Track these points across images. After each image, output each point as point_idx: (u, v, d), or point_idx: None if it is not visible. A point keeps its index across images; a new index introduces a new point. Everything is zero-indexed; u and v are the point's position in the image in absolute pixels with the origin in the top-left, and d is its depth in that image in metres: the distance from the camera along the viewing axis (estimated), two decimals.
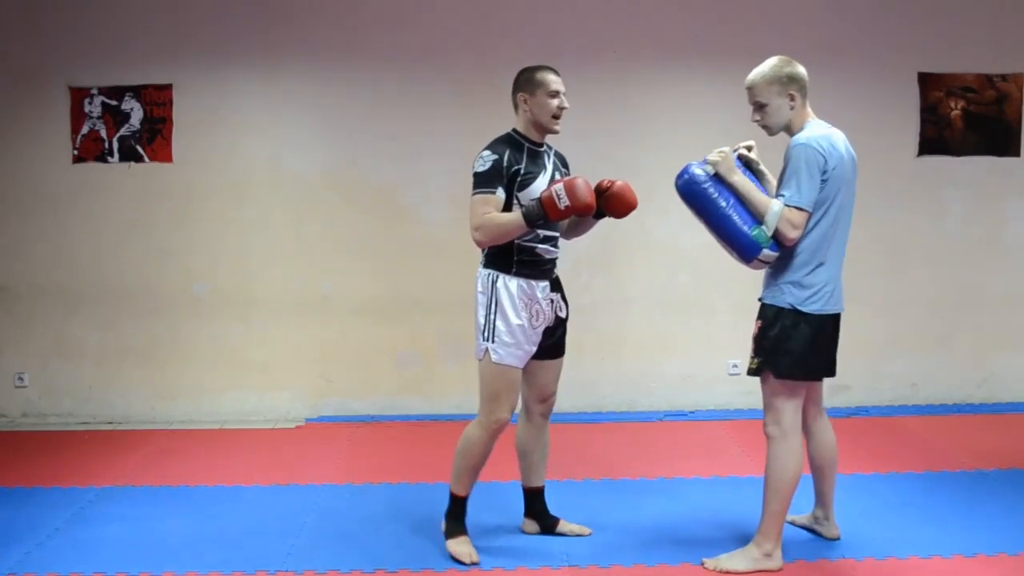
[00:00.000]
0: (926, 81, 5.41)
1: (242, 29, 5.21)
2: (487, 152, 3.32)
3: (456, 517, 3.48)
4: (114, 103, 5.22)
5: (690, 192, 3.21)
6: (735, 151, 3.30)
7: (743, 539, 3.52)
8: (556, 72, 3.38)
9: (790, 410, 3.25)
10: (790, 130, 3.23)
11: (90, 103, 5.21)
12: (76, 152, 5.24)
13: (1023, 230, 5.55)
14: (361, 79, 5.28)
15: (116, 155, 5.25)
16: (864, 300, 5.28)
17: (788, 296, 3.20)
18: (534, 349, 3.41)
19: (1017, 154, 5.49)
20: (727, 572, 3.27)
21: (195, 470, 4.46)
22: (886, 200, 5.42)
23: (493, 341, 3.33)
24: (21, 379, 5.34)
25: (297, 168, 5.31)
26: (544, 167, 3.39)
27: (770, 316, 3.24)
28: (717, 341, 5.49)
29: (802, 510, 3.67)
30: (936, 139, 5.45)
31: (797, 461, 3.25)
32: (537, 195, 3.26)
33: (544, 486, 3.66)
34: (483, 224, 3.26)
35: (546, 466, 3.65)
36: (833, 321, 3.30)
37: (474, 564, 3.36)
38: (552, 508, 3.71)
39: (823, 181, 3.12)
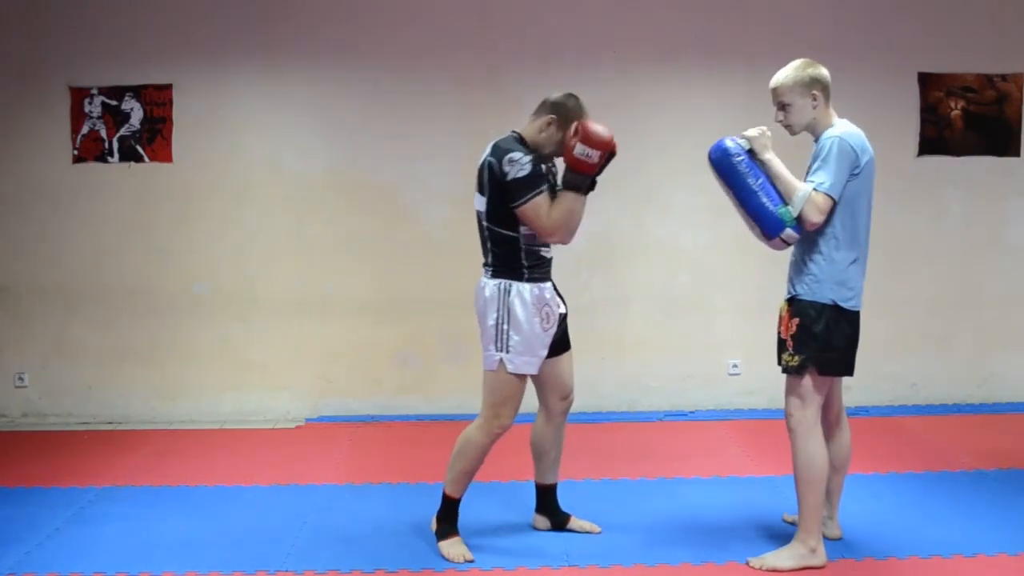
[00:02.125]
0: (926, 81, 5.41)
1: (242, 29, 5.21)
2: (518, 154, 3.24)
3: (448, 519, 3.48)
4: (114, 103, 5.22)
5: (722, 164, 3.25)
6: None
7: (744, 538, 3.53)
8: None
9: (816, 405, 3.29)
10: (813, 130, 3.28)
11: (90, 103, 5.21)
12: (76, 152, 5.24)
13: (1023, 230, 5.55)
14: (361, 79, 5.28)
15: (116, 155, 5.25)
16: (864, 300, 5.27)
17: (830, 292, 3.22)
18: (546, 352, 3.41)
19: (1017, 154, 5.49)
20: (775, 570, 3.27)
21: (195, 470, 4.46)
22: (886, 200, 5.37)
23: (508, 352, 3.32)
24: (21, 379, 5.34)
25: (297, 168, 5.31)
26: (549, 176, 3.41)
27: (812, 313, 3.23)
28: (717, 341, 5.49)
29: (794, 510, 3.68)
30: (936, 139, 5.45)
31: (824, 452, 3.28)
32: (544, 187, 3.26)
33: (557, 483, 3.67)
34: (557, 223, 3.23)
35: (560, 464, 3.67)
36: (859, 318, 3.34)
37: (469, 563, 3.37)
38: None
39: (854, 175, 3.17)
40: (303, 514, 3.85)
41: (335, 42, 5.24)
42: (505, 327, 3.31)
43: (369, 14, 5.25)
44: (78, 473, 4.40)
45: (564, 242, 3.33)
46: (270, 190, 5.32)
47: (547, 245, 3.41)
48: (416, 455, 4.67)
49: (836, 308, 3.22)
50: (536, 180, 3.24)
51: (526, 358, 3.33)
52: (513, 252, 3.33)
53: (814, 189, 3.15)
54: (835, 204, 3.17)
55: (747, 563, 3.33)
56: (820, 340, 3.23)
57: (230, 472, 4.43)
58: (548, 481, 3.66)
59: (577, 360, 5.25)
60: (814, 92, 3.23)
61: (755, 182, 3.21)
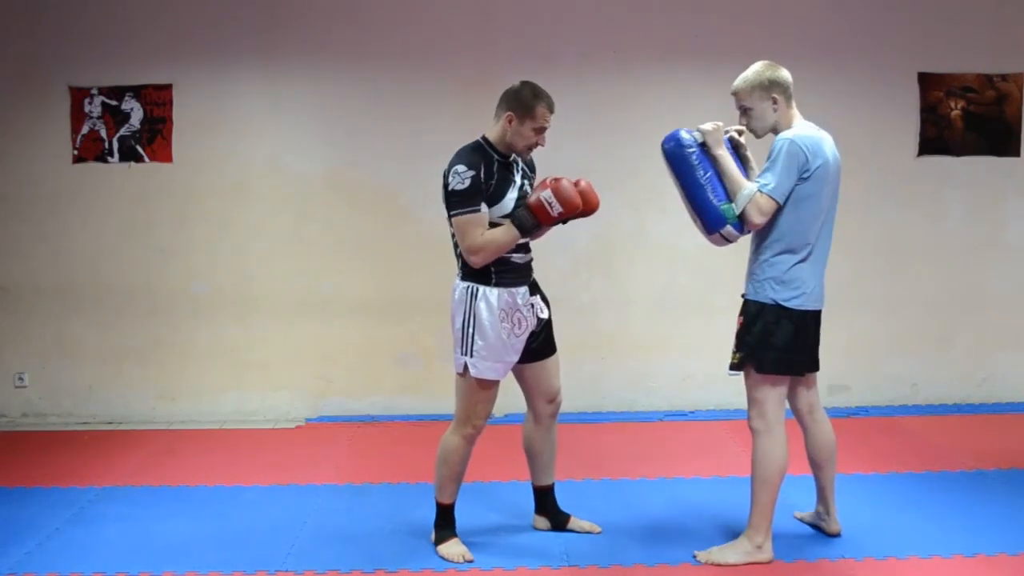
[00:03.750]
0: (926, 81, 5.41)
1: (242, 29, 5.21)
2: (462, 167, 3.25)
3: (444, 525, 3.48)
4: (114, 103, 5.22)
5: (673, 154, 3.28)
6: (726, 132, 3.37)
7: None
8: (552, 107, 3.31)
9: (773, 403, 3.31)
10: (776, 131, 3.29)
11: (90, 103, 5.21)
12: (76, 152, 5.24)
13: (1023, 230, 5.55)
14: (361, 79, 5.28)
15: (116, 155, 5.25)
16: (864, 300, 5.29)
17: (770, 292, 3.25)
18: (516, 358, 3.39)
19: (1017, 154, 5.49)
20: (718, 565, 3.30)
21: (195, 470, 4.46)
22: (886, 200, 5.42)
23: (471, 356, 3.31)
24: (21, 379, 5.34)
25: (297, 168, 5.31)
26: (513, 180, 3.35)
27: (753, 312, 3.29)
28: (717, 341, 5.44)
29: (805, 507, 3.70)
30: (936, 139, 5.45)
31: (782, 453, 3.29)
32: (510, 209, 3.27)
33: (554, 484, 3.67)
34: (483, 246, 3.23)
35: (555, 464, 3.66)
36: (815, 318, 3.34)
37: (469, 562, 3.36)
38: None
39: (803, 179, 3.18)
40: (303, 514, 3.86)
41: (335, 42, 5.24)
42: (470, 331, 3.31)
43: (369, 14, 5.25)
44: (78, 473, 4.40)
45: (476, 266, 3.28)
46: (270, 190, 5.32)
47: (522, 250, 3.38)
48: (416, 455, 4.66)
49: (777, 308, 3.24)
50: (470, 197, 3.23)
51: (490, 363, 3.31)
52: None
53: (758, 189, 3.16)
54: (780, 206, 3.18)
55: (694, 556, 3.37)
56: (756, 338, 3.27)
57: (230, 472, 4.43)
58: (544, 482, 3.65)
59: (577, 360, 5.31)
60: (774, 95, 3.24)
61: (703, 176, 3.24)
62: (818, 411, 3.51)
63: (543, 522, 3.68)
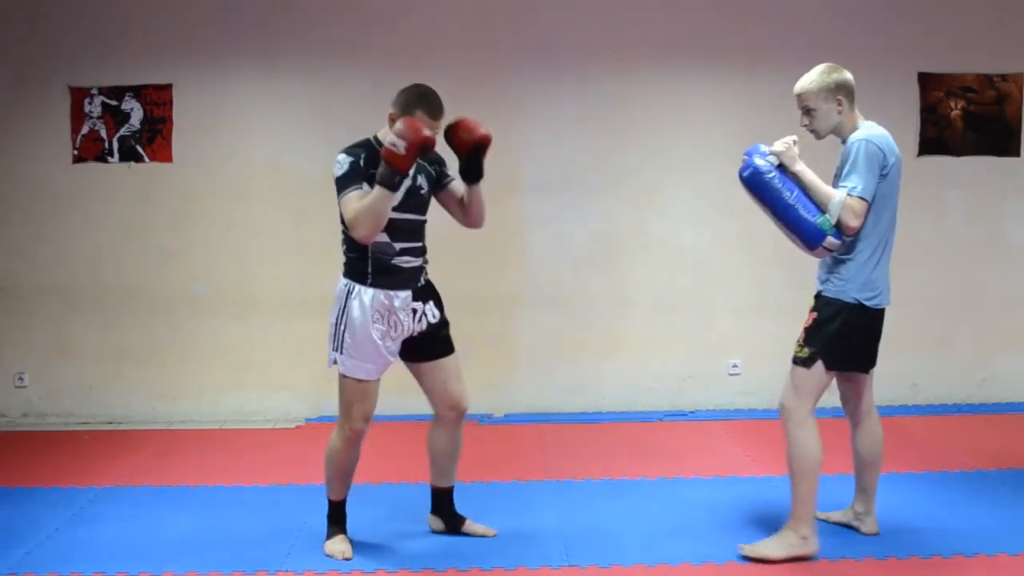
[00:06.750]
0: (926, 81, 5.41)
1: (242, 29, 5.21)
2: (342, 156, 3.27)
3: (334, 520, 3.50)
4: (114, 103, 5.22)
5: (756, 183, 3.25)
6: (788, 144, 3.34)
7: (744, 538, 3.52)
8: (434, 112, 3.25)
9: (815, 397, 3.32)
10: (839, 133, 3.32)
11: (90, 103, 5.21)
12: (76, 152, 5.24)
13: (1023, 230, 5.55)
14: (361, 79, 5.27)
15: (116, 155, 5.25)
16: None
17: (855, 292, 3.28)
18: (391, 360, 3.39)
19: (1017, 154, 5.49)
20: (764, 558, 3.30)
21: (195, 470, 4.46)
22: None
23: (341, 352, 3.33)
24: (21, 379, 5.34)
25: (297, 168, 5.31)
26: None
27: (832, 310, 3.29)
28: (717, 341, 5.49)
29: (833, 508, 3.70)
30: (936, 139, 5.45)
31: (818, 443, 3.30)
32: (399, 196, 3.24)
33: (453, 487, 3.63)
34: (355, 217, 3.20)
35: (457, 467, 3.62)
36: (883, 315, 3.39)
37: (347, 560, 3.36)
38: (552, 509, 3.75)
39: (883, 176, 3.22)
40: (303, 514, 3.85)
41: (335, 42, 5.24)
42: (342, 328, 3.33)
43: (369, 14, 5.25)
44: (78, 473, 4.39)
45: (365, 240, 3.23)
46: (270, 190, 5.32)
47: (412, 255, 3.38)
48: (416, 455, 4.64)
49: (859, 307, 3.28)
50: (349, 179, 3.24)
51: (358, 362, 3.32)
52: (360, 257, 3.34)
53: (848, 194, 3.17)
54: (870, 206, 3.20)
55: (739, 549, 3.36)
56: (832, 335, 3.27)
57: (230, 472, 4.43)
58: (441, 485, 3.62)
59: (577, 360, 5.33)
60: (839, 97, 3.27)
61: (790, 196, 3.21)
62: (874, 410, 3.54)
63: (438, 523, 3.64)
